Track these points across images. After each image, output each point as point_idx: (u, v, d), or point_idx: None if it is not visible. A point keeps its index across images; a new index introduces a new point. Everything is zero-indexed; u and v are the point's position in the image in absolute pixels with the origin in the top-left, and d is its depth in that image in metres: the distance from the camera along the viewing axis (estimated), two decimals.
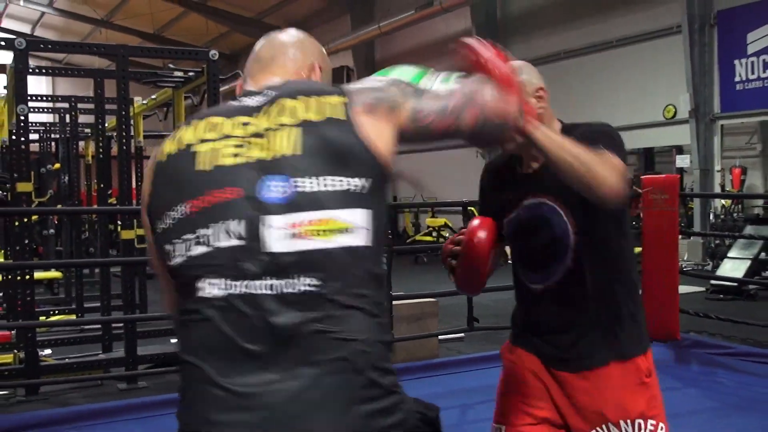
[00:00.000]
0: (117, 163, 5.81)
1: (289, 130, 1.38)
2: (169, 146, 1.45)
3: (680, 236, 7.89)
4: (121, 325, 5.78)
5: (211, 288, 1.32)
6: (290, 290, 1.29)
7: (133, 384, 5.29)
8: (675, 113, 12.49)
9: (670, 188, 5.73)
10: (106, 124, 6.93)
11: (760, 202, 11.04)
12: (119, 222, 6.69)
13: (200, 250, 1.34)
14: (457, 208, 12.59)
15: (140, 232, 6.44)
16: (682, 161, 12.78)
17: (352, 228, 1.34)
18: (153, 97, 7.42)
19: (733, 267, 8.92)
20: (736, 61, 11.91)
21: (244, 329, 1.29)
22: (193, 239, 1.34)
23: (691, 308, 6.65)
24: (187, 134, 1.44)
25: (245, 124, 1.42)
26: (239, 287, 1.30)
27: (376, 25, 17.92)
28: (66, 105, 9.04)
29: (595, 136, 1.94)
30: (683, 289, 7.90)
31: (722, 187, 12.10)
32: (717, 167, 12.18)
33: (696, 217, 12.29)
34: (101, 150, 6.87)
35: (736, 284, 8.63)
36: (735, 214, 11.19)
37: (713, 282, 8.95)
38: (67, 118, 9.12)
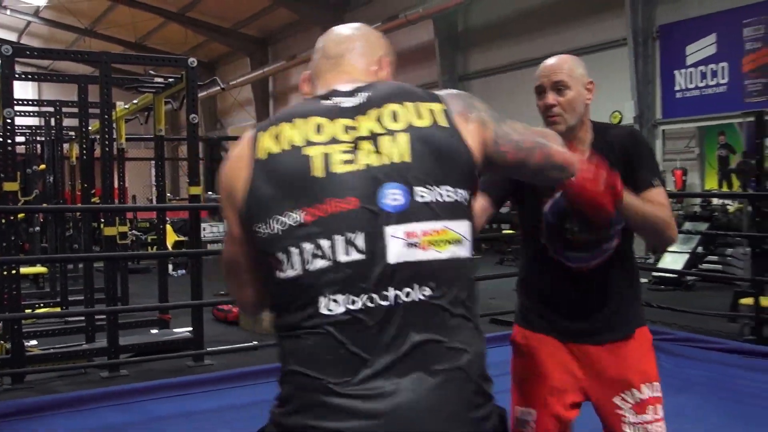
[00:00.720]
0: (100, 165, 5.75)
1: (398, 136, 1.28)
2: (269, 143, 1.30)
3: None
4: (103, 316, 5.71)
5: (333, 304, 1.22)
6: (408, 300, 1.23)
7: (115, 372, 5.23)
8: (621, 119, 12.63)
9: None
10: (90, 128, 6.83)
11: (698, 200, 11.19)
12: (102, 220, 6.60)
13: (320, 264, 1.23)
14: None
15: (122, 229, 6.37)
16: None
17: (461, 239, 1.29)
18: (134, 101, 7.33)
19: (673, 260, 9.04)
20: (676, 72, 12.07)
21: (363, 340, 1.22)
22: (311, 251, 1.23)
23: None
24: (292, 133, 1.30)
25: (349, 127, 1.30)
26: (360, 302, 1.22)
27: None
28: (51, 109, 8.90)
29: (641, 154, 2.09)
30: None
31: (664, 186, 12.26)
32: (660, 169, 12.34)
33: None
34: (85, 152, 6.74)
35: (675, 276, 8.75)
36: (676, 212, 11.32)
37: (655, 274, 9.08)
38: (53, 122, 9.00)
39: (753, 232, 6.36)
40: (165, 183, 6.95)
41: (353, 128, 1.30)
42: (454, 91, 1.45)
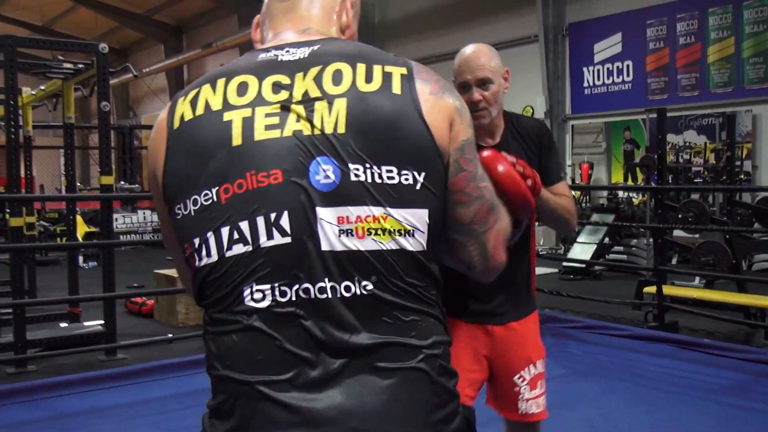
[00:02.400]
0: (5, 153, 5.49)
1: (336, 102, 1.08)
2: (184, 109, 1.12)
3: (536, 223, 8.18)
4: (9, 310, 5.46)
5: (257, 295, 1.05)
6: (349, 295, 1.05)
7: (22, 368, 5.02)
8: (533, 113, 12.94)
9: None
10: None
11: (605, 193, 11.58)
12: (7, 210, 6.31)
13: (239, 249, 1.05)
14: None
15: (29, 219, 6.11)
16: None
17: (411, 230, 1.08)
18: (42, 87, 7.03)
19: (582, 250, 9.31)
20: (585, 69, 12.44)
21: (301, 338, 1.04)
22: (228, 235, 1.06)
23: (546, 287, 6.93)
24: (211, 96, 1.11)
25: (279, 85, 1.09)
26: (290, 293, 1.04)
27: None
28: None
29: (551, 148, 2.24)
30: (539, 270, 8.23)
31: (572, 180, 12.63)
32: (568, 162, 12.70)
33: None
34: None
35: (584, 265, 9.01)
36: (583, 204, 11.69)
37: (565, 264, 9.32)
38: None
39: (655, 224, 6.62)
40: (75, 172, 6.70)
41: (286, 87, 1.09)
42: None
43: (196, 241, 1.09)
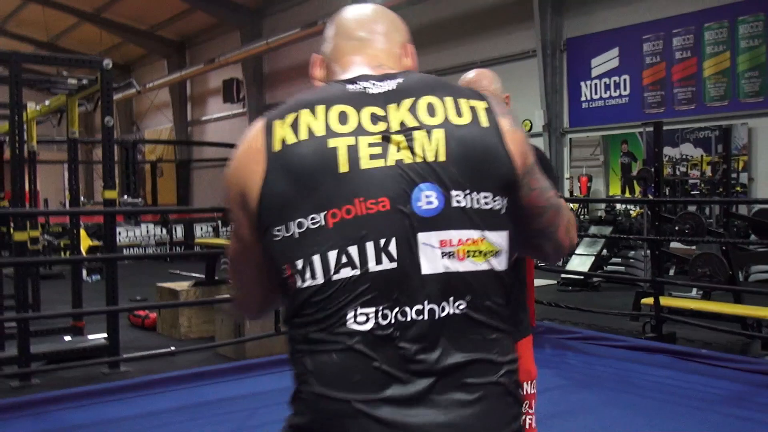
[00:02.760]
0: (10, 168, 5.50)
1: (434, 132, 1.12)
2: (284, 132, 1.12)
3: None
4: (13, 324, 5.46)
5: (361, 318, 1.07)
6: (444, 315, 1.09)
7: (26, 381, 5.01)
8: (531, 127, 12.97)
9: None
10: None
11: (603, 205, 11.59)
12: (12, 224, 6.32)
13: (346, 273, 1.07)
14: None
15: (34, 233, 6.12)
16: None
17: (500, 251, 1.15)
18: (46, 103, 7.05)
19: (580, 262, 9.32)
20: (582, 83, 12.49)
21: (396, 359, 1.07)
22: (335, 259, 1.07)
23: (545, 299, 6.93)
24: (312, 122, 1.12)
25: (376, 117, 1.13)
26: (391, 316, 1.07)
27: (264, 41, 17.70)
28: None
29: (546, 166, 2.20)
30: (538, 282, 8.22)
31: (571, 192, 12.65)
32: (566, 175, 12.73)
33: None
34: None
35: (582, 277, 9.02)
36: (582, 216, 11.70)
37: (563, 275, 9.33)
38: None
39: (652, 236, 6.63)
40: (78, 187, 6.71)
41: (382, 118, 1.13)
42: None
43: (299, 263, 1.09)
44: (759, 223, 7.94)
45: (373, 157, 1.10)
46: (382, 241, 1.07)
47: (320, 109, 1.13)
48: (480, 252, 1.12)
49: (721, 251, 6.61)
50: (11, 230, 6.06)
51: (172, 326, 6.68)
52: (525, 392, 2.34)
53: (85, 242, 11.20)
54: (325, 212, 1.07)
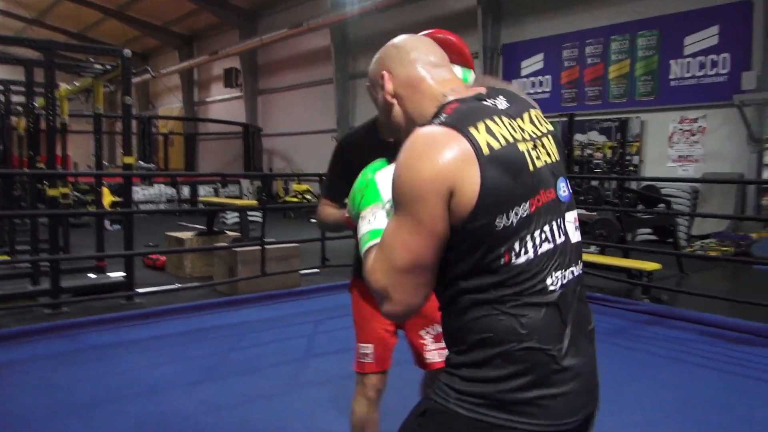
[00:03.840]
0: (45, 136, 5.35)
1: (549, 137, 1.19)
2: (488, 140, 1.08)
3: None
4: (47, 263, 5.36)
5: (554, 280, 1.10)
6: (579, 274, 1.17)
7: (57, 310, 4.94)
8: None
9: None
10: (36, 104, 6.32)
11: None
12: (46, 182, 6.15)
13: (546, 247, 1.10)
14: (315, 178, 12.56)
15: (64, 190, 5.97)
16: None
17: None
18: (76, 83, 6.82)
19: None
20: (514, 81, 12.49)
21: (567, 311, 1.11)
22: (539, 236, 1.09)
23: None
24: (499, 129, 1.10)
25: (521, 127, 1.15)
26: (566, 278, 1.12)
27: (258, 38, 17.30)
28: (0, 87, 8.14)
29: None
30: None
31: None
32: None
33: None
34: (31, 125, 6.29)
35: None
36: None
37: None
38: (2, 98, 8.24)
39: None
40: (102, 153, 6.55)
41: (522, 129, 1.14)
42: None
43: (517, 243, 1.08)
44: (645, 196, 8.12)
45: (537, 157, 1.13)
46: (559, 220, 1.14)
47: (498, 119, 1.12)
48: (578, 226, 1.22)
49: (615, 217, 6.74)
50: (47, 187, 5.88)
51: (178, 267, 6.61)
52: (440, 328, 2.23)
53: (108, 198, 10.96)
54: (528, 201, 1.09)
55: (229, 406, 3.18)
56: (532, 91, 12.13)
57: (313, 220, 12.76)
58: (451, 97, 1.16)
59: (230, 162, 19.12)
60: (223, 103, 21.47)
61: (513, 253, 1.07)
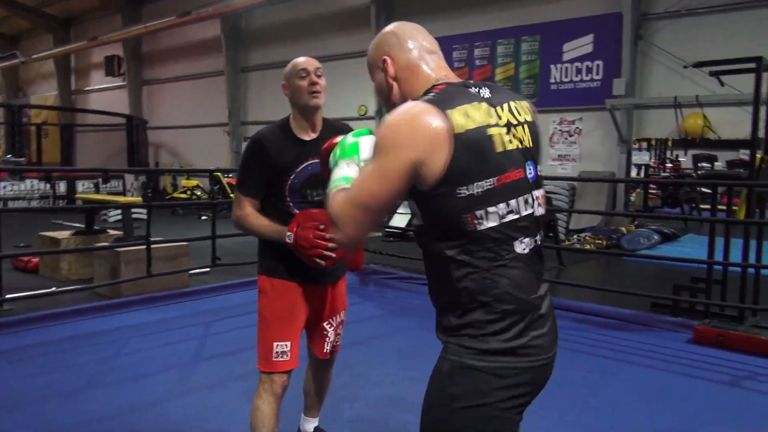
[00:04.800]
0: None
1: (524, 126, 1.37)
2: (463, 121, 1.26)
3: None
4: None
5: (522, 244, 1.31)
6: (539, 242, 1.38)
7: None
8: (366, 111, 13.11)
9: None
10: None
11: None
12: None
13: (512, 217, 1.30)
14: (206, 174, 12.17)
15: None
16: None
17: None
18: None
19: (400, 219, 9.58)
20: None
21: (536, 270, 1.36)
22: (504, 208, 1.29)
23: (371, 248, 7.10)
24: (475, 114, 1.28)
25: (497, 114, 1.33)
26: (531, 242, 1.34)
27: (142, 25, 16.44)
28: None
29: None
30: None
31: None
32: None
33: None
34: None
35: (401, 231, 9.32)
36: None
37: (386, 229, 9.58)
38: None
39: None
40: None
41: (500, 116, 1.33)
42: None
43: (480, 212, 1.26)
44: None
45: (509, 141, 1.31)
46: (525, 196, 1.33)
47: (475, 105, 1.29)
48: (544, 203, 1.41)
49: None
50: None
51: (53, 269, 6.16)
52: (339, 319, 2.35)
53: None
54: (495, 178, 1.27)
55: (113, 415, 3.02)
56: None
57: (205, 218, 12.33)
58: (442, 81, 1.36)
59: (112, 156, 18.02)
60: (105, 93, 20.23)
61: (476, 220, 1.26)
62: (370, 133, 1.46)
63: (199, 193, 14.16)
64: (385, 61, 1.42)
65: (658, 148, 9.61)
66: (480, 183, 1.26)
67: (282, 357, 2.15)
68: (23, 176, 13.74)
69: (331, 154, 1.47)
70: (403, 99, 1.38)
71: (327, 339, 2.31)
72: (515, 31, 11.06)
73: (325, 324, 2.30)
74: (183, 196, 14.35)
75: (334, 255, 2.02)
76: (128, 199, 10.31)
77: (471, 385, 1.27)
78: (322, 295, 2.26)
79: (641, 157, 9.77)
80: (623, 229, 8.93)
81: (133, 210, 8.07)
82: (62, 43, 19.95)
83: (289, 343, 2.15)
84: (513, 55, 11.15)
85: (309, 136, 2.17)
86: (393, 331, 4.66)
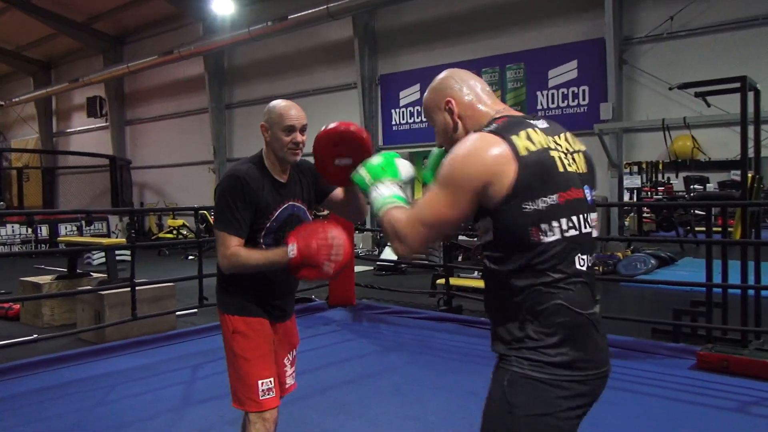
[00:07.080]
0: None
1: (580, 154, 1.51)
2: (524, 143, 1.39)
3: (356, 231, 8.30)
4: None
5: (581, 261, 1.42)
6: (593, 263, 1.48)
7: None
8: None
9: None
10: None
11: None
12: None
13: (573, 233, 1.40)
14: (191, 212, 12.10)
15: None
16: None
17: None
18: None
19: (391, 252, 9.55)
20: (393, 110, 12.86)
21: (591, 288, 1.45)
22: (566, 223, 1.39)
23: (363, 281, 7.04)
24: (537, 138, 1.42)
25: (556, 142, 1.46)
26: (588, 260, 1.44)
27: (125, 65, 16.55)
28: None
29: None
30: (358, 268, 8.35)
31: None
32: None
33: (369, 217, 13.05)
34: None
35: (393, 264, 9.27)
36: None
37: (378, 262, 9.55)
38: None
39: None
40: None
41: (558, 144, 1.46)
42: None
43: (544, 225, 1.37)
44: None
45: (569, 165, 1.45)
46: (584, 215, 1.44)
47: (533, 130, 1.44)
48: (596, 226, 1.50)
49: None
50: None
51: (35, 316, 6.04)
52: (295, 353, 2.41)
53: None
54: (558, 194, 1.39)
55: None
56: (410, 120, 12.56)
57: (192, 257, 12.22)
58: (501, 114, 1.51)
59: (96, 197, 17.92)
60: (87, 134, 20.23)
61: (540, 233, 1.37)
62: (398, 156, 1.69)
63: (185, 233, 14.07)
64: (449, 102, 1.58)
65: (649, 172, 9.69)
66: (545, 198, 1.37)
67: (268, 394, 2.15)
68: (4, 221, 13.57)
69: (364, 172, 1.64)
70: (467, 134, 1.50)
71: (286, 373, 2.37)
72: (499, 60, 11.21)
73: (284, 359, 2.35)
74: (169, 235, 14.25)
75: (340, 258, 2.03)
76: (111, 240, 10.20)
77: (532, 394, 1.36)
78: (283, 330, 2.32)
79: (633, 181, 9.85)
80: (619, 254, 8.92)
81: (118, 252, 7.98)
82: (43, 86, 20.02)
83: (272, 379, 2.17)
84: (498, 83, 11.28)
85: (283, 179, 2.21)
86: (387, 367, 4.58)
